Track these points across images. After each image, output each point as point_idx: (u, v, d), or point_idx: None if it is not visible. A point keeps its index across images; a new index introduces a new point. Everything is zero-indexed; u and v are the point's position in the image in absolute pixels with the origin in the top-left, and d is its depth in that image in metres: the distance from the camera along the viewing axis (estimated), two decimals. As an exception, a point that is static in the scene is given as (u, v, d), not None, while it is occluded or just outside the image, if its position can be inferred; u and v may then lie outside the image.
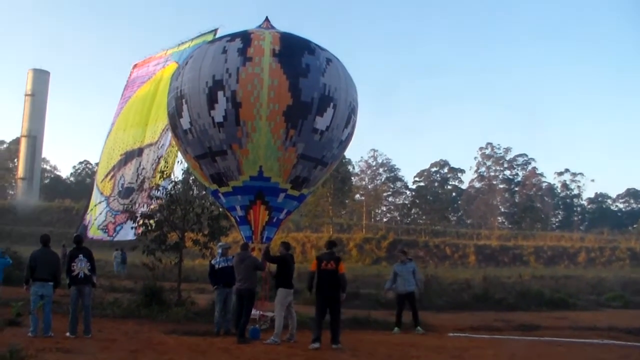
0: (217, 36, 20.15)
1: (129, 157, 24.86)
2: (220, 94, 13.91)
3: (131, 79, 27.97)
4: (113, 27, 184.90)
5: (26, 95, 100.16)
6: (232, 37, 14.71)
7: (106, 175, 26.21)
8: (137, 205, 21.27)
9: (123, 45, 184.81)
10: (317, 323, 12.31)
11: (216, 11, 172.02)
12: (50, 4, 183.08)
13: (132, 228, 19.33)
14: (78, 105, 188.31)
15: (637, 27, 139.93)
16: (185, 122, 14.59)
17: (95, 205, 26.07)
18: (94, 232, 24.97)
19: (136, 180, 22.86)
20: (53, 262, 12.52)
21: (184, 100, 14.42)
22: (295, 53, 14.43)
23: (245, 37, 14.48)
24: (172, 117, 15.22)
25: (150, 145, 23.34)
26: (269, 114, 13.93)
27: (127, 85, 28.01)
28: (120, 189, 24.56)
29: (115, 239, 23.99)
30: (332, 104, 14.44)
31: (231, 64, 13.97)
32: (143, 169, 22.82)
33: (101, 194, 26.00)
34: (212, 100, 13.99)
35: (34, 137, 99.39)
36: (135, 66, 28.21)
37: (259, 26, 15.76)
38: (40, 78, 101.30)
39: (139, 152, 23.93)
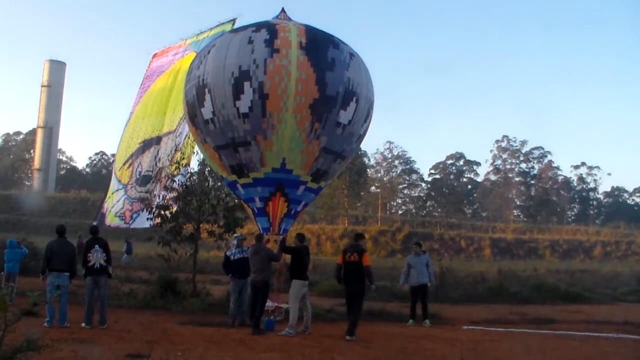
0: (235, 26, 20.27)
1: (147, 145, 25.10)
2: (246, 84, 13.79)
3: (151, 69, 28.24)
4: (129, 17, 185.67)
5: (42, 86, 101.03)
6: (257, 27, 14.55)
7: (124, 163, 26.52)
8: (153, 194, 21.39)
9: (139, 36, 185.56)
10: (347, 313, 12.62)
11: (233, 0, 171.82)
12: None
13: (147, 219, 19.41)
14: (94, 96, 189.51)
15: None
16: (207, 111, 14.43)
17: (112, 193, 26.38)
18: (111, 220, 25.27)
19: (153, 169, 23.03)
20: (69, 252, 12.59)
21: (206, 90, 14.27)
22: (321, 46, 14.38)
23: (270, 28, 14.36)
24: (191, 107, 15.01)
25: (169, 133, 23.52)
26: (295, 106, 13.88)
27: (147, 75, 28.27)
28: (138, 176, 24.81)
29: (132, 226, 24.19)
30: (354, 99, 14.42)
31: (258, 55, 13.86)
32: (160, 158, 22.96)
33: (119, 181, 26.33)
34: (238, 91, 13.87)
35: (50, 128, 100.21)
36: (154, 56, 28.52)
37: (276, 17, 15.73)
38: (57, 69, 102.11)
39: (157, 140, 24.14)
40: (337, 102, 14.18)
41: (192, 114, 15.04)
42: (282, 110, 13.89)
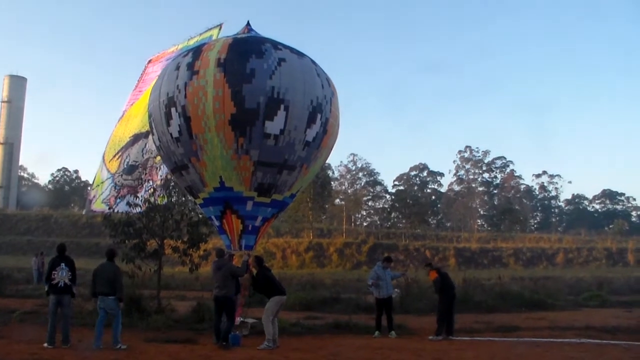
0: (222, 30, 22.03)
1: (136, 139, 26.58)
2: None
3: (147, 74, 29.56)
4: (90, 32, 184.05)
5: (2, 101, 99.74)
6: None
7: (114, 156, 28.05)
8: (140, 181, 21.96)
9: (101, 51, 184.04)
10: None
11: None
12: (27, 9, 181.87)
13: (110, 236, 19.18)
14: (56, 111, 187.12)
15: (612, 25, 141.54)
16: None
17: (101, 182, 28.06)
18: (97, 206, 26.96)
19: (140, 159, 23.82)
20: (111, 276, 12.48)
21: (282, 106, 13.95)
22: (240, 59, 14.03)
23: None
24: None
25: None
26: (216, 124, 13.76)
27: (144, 79, 29.50)
28: (125, 166, 26.43)
29: (115, 211, 24.87)
30: (282, 106, 13.92)
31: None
32: (147, 150, 23.70)
33: (108, 171, 27.98)
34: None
35: (11, 145, 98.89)
36: (150, 62, 29.92)
37: (251, 29, 15.93)
38: (17, 84, 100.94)
39: (146, 134, 25.04)
40: (260, 114, 13.78)
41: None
42: (205, 130, 14.15)
